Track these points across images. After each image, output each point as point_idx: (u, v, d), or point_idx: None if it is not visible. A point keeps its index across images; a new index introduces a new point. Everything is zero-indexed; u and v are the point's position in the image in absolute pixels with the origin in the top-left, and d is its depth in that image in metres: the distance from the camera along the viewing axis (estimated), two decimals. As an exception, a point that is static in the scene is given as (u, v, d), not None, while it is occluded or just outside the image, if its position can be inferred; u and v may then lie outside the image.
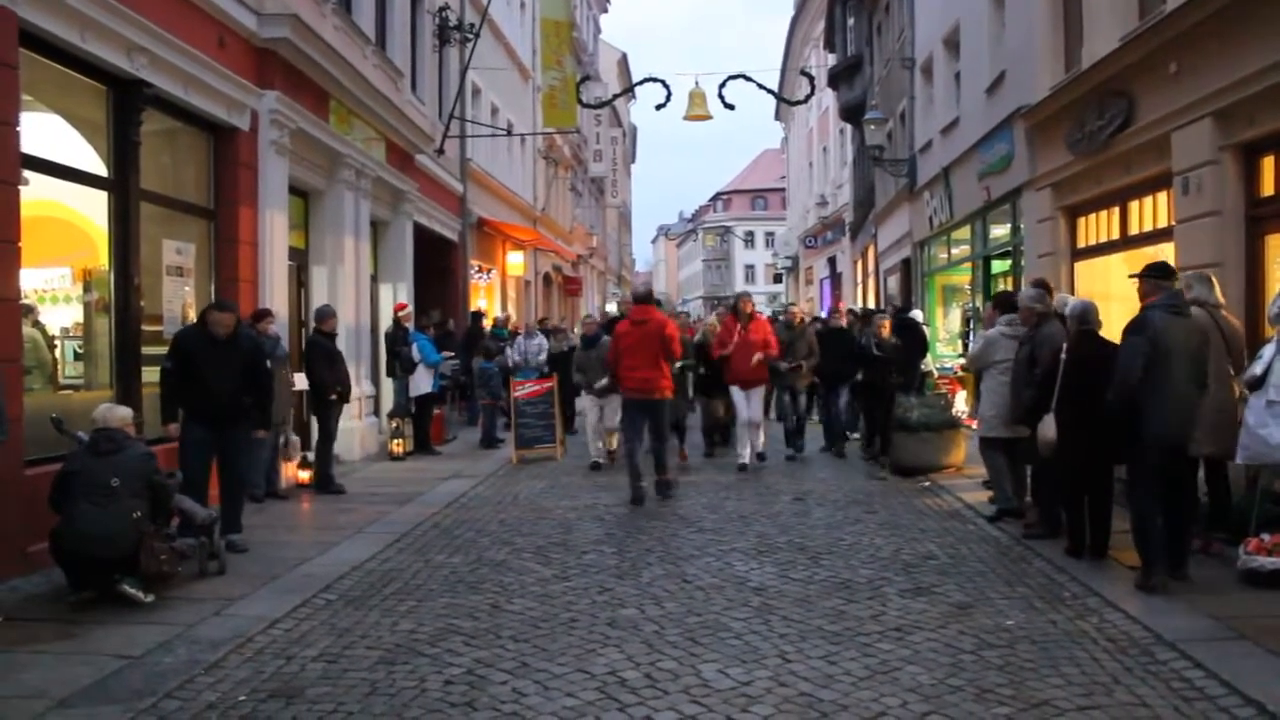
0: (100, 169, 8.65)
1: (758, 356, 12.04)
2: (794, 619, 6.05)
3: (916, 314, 16.38)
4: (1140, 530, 6.73)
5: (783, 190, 59.22)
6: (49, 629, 5.82)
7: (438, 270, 19.27)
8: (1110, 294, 11.05)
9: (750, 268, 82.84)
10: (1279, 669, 4.98)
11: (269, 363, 9.73)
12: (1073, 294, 11.41)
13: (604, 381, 11.84)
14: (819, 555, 7.71)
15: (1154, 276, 7.11)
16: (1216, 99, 8.85)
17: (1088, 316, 7.52)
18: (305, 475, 10.87)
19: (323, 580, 6.97)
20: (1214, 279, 7.88)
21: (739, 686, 4.93)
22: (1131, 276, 7.32)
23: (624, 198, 49.56)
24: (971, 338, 16.63)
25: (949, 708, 4.64)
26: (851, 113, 27.21)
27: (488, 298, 23.04)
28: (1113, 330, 8.35)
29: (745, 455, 12.22)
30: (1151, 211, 10.77)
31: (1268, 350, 7.09)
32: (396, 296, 15.74)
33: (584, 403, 12.92)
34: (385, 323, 15.11)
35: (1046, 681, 4.97)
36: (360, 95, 13.27)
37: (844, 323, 14.87)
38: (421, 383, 13.95)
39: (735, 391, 12.29)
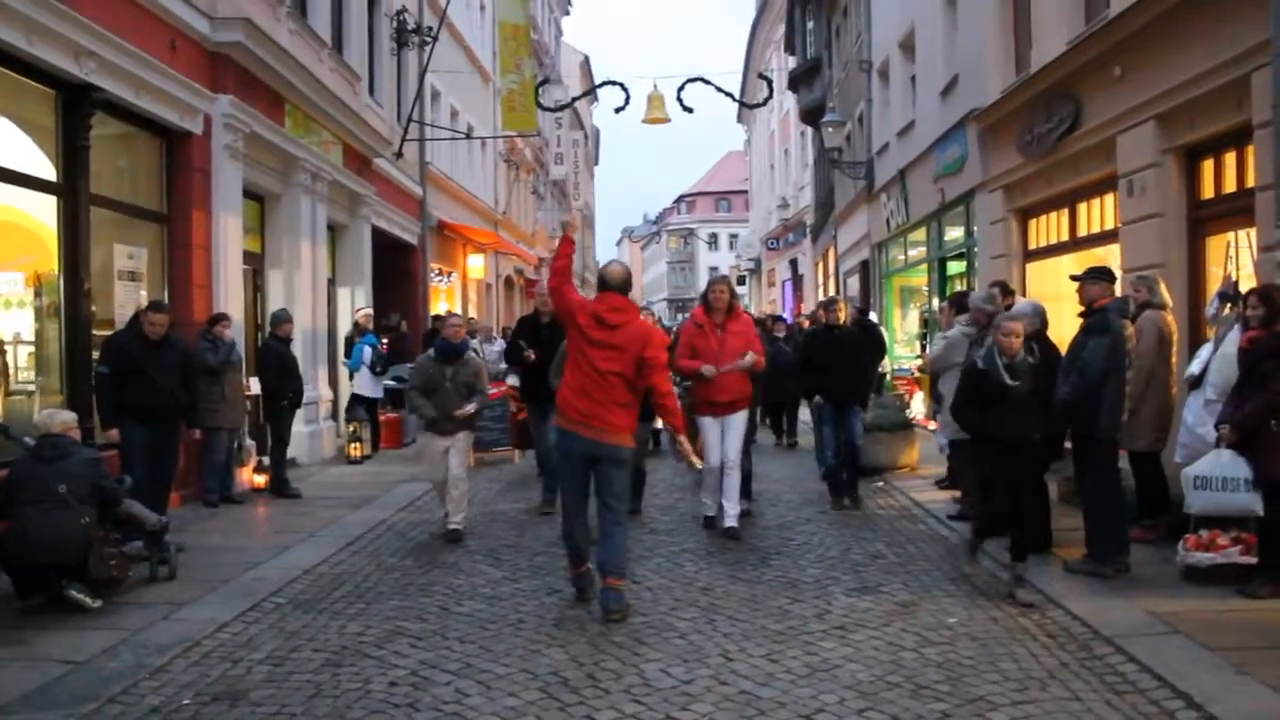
0: (49, 173, 8.61)
1: (747, 359, 8.40)
2: (739, 618, 6.12)
3: (872, 316, 16.55)
4: (1100, 524, 6.89)
5: (746, 192, 59.45)
6: (-6, 635, 5.79)
7: (397, 273, 19.23)
8: (1061, 295, 11.17)
9: (714, 269, 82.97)
10: (1211, 662, 5.08)
11: (224, 366, 9.85)
12: (1024, 295, 11.60)
13: (470, 407, 8.45)
14: (768, 555, 7.78)
15: (1102, 279, 7.28)
16: (1159, 102, 9.03)
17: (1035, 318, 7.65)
18: (261, 480, 10.85)
19: (273, 584, 6.96)
20: (1159, 280, 8.07)
21: (680, 685, 4.99)
22: (1073, 278, 7.46)
23: (586, 200, 49.59)
24: (929, 339, 16.81)
25: (885, 704, 4.73)
26: (811, 115, 27.38)
27: (448, 301, 23.01)
28: (1062, 331, 8.52)
29: (712, 506, 8.71)
30: (1099, 213, 10.96)
31: (1205, 350, 7.28)
32: (355, 300, 15.73)
33: (424, 442, 8.95)
34: (344, 326, 15.10)
35: (983, 677, 5.07)
36: (316, 99, 13.24)
37: (842, 319, 10.07)
38: (364, 386, 13.94)
39: (706, 422, 8.53)
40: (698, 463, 6.83)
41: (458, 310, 22.73)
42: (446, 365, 8.48)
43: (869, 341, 11.49)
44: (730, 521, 8.45)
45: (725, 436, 8.50)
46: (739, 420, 8.61)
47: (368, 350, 13.78)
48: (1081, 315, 7.24)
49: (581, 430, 6.25)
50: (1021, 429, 6.59)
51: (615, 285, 6.53)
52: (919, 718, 4.56)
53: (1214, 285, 8.41)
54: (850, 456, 9.89)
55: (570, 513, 6.50)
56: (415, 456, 8.36)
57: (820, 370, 9.72)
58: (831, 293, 28.12)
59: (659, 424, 10.29)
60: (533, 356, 9.58)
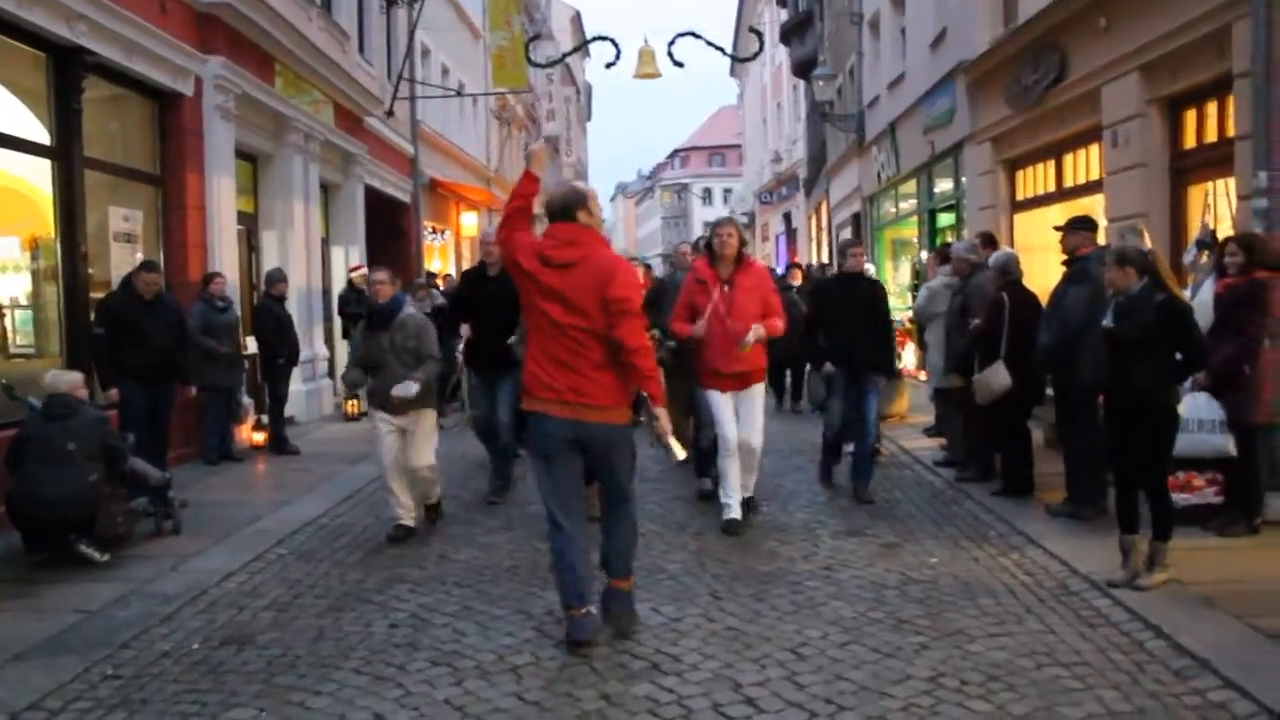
0: (43, 137, 8.68)
1: (754, 334, 6.81)
2: (728, 561, 6.32)
3: (869, 268, 16.61)
4: (1079, 469, 7.07)
5: (739, 146, 59.28)
6: (5, 588, 5.96)
7: (390, 232, 19.28)
8: (1049, 245, 11.24)
9: (708, 224, 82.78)
10: (1182, 596, 5.27)
11: (218, 326, 9.99)
12: (1012, 246, 11.73)
13: (412, 386, 6.75)
14: (758, 501, 7.95)
15: (1084, 229, 7.41)
16: (1143, 53, 9.12)
17: (1010, 266, 7.82)
18: (260, 437, 11.01)
19: (276, 536, 7.14)
20: (1144, 229, 8.19)
21: (669, 623, 5.19)
22: (1057, 229, 7.60)
23: (579, 156, 49.45)
24: (920, 291, 16.94)
25: (867, 637, 4.93)
26: (803, 68, 27.31)
27: (442, 259, 23.10)
28: (1048, 280, 8.66)
29: (733, 501, 7.12)
30: (1085, 164, 11.06)
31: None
32: (349, 259, 15.83)
33: (380, 428, 7.08)
34: (338, 285, 15.22)
35: (963, 613, 5.27)
36: (306, 58, 13.26)
37: (858, 267, 8.45)
38: None
39: (713, 397, 7.12)
40: (679, 452, 5.10)
41: (451, 269, 22.83)
42: (381, 332, 6.94)
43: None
44: (747, 493, 7.27)
45: (740, 414, 7.09)
46: (754, 395, 7.16)
47: None
48: (1064, 265, 7.38)
49: (554, 409, 4.81)
50: (1144, 380, 5.53)
51: (555, 213, 4.95)
52: (898, 649, 4.76)
53: (1195, 234, 8.56)
54: (864, 440, 8.17)
55: (560, 527, 4.91)
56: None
57: (831, 331, 8.14)
58: (825, 247, 28.09)
59: None
60: (469, 333, 8.16)
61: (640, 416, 5.34)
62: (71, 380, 6.85)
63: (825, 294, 8.58)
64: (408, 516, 7.13)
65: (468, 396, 8.76)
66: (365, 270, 14.85)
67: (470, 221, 25.12)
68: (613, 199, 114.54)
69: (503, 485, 8.40)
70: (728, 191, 73.97)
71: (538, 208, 5.12)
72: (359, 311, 13.88)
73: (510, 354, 7.48)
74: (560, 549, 4.91)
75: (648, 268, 13.85)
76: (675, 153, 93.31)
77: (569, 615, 4.91)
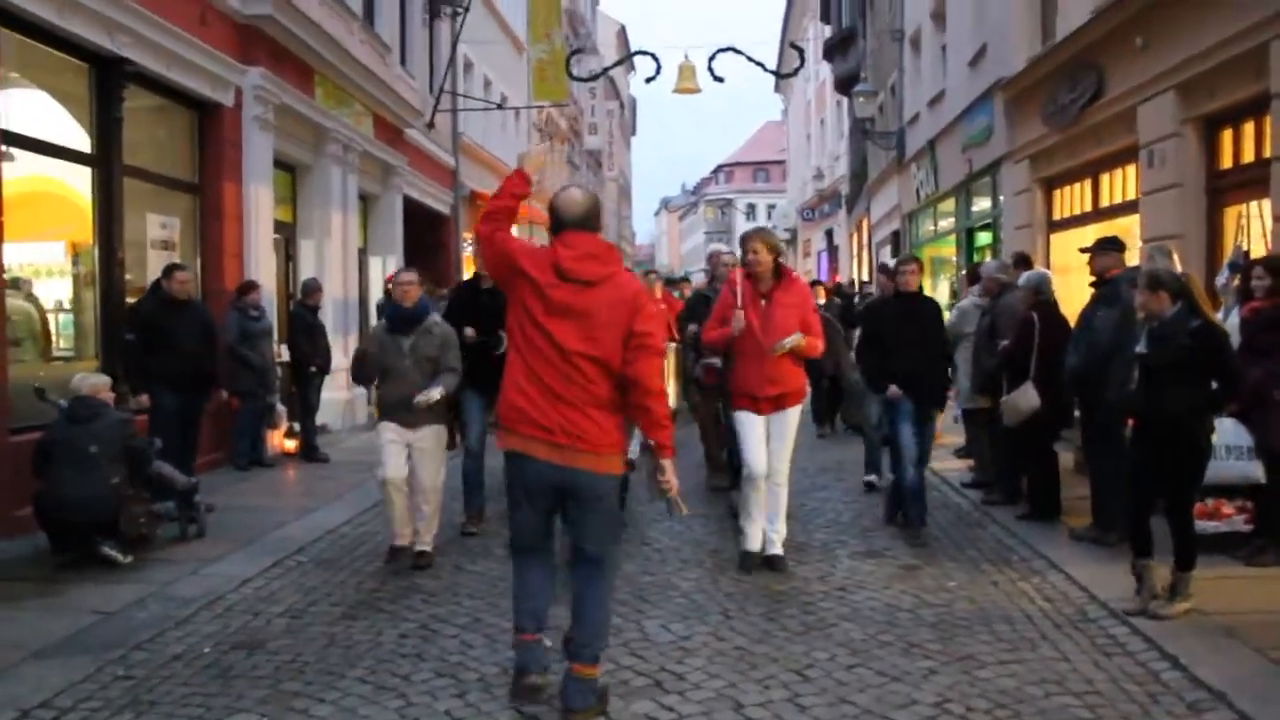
0: (84, 144, 8.84)
1: (792, 340, 6.32)
2: (742, 579, 6.29)
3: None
4: (1106, 493, 6.97)
5: (783, 162, 59.21)
6: (30, 588, 6.06)
7: (430, 244, 19.44)
8: (1084, 266, 11.18)
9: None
10: (1203, 626, 5.17)
11: (252, 334, 10.11)
12: (1048, 266, 11.63)
13: (435, 392, 6.54)
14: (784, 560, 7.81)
15: (1113, 250, 7.34)
16: (1179, 72, 9.05)
17: (1042, 286, 7.74)
18: (291, 444, 11.12)
19: (297, 543, 7.21)
20: (1173, 251, 8.09)
21: (678, 640, 5.18)
22: (1083, 251, 7.52)
23: (621, 170, 49.63)
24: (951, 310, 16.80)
25: (875, 660, 4.88)
26: (846, 85, 27.24)
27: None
28: (1081, 302, 8.58)
29: (753, 537, 6.57)
30: (1121, 184, 10.96)
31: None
32: (387, 270, 15.94)
33: (379, 434, 6.99)
34: (376, 295, 15.35)
35: (975, 638, 5.20)
36: (347, 71, 13.43)
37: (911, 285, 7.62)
38: None
39: (745, 420, 6.55)
40: (683, 508, 4.46)
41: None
42: (402, 336, 6.65)
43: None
44: (774, 549, 6.55)
45: (771, 437, 6.51)
46: (789, 420, 6.56)
47: None
48: (1093, 286, 7.30)
49: (540, 451, 4.14)
50: (1178, 405, 5.37)
51: (576, 220, 4.20)
52: (906, 674, 4.71)
53: (1229, 256, 8.43)
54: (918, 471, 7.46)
55: (522, 566, 4.44)
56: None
57: (889, 355, 7.43)
58: (865, 264, 27.95)
59: None
60: (472, 335, 7.37)
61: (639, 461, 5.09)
62: (95, 383, 6.96)
63: (880, 315, 7.95)
64: (405, 538, 6.73)
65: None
66: (401, 281, 14.97)
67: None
68: (656, 213, 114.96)
69: (478, 512, 7.95)
70: (771, 207, 73.68)
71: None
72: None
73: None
74: (519, 575, 4.46)
75: (651, 273, 13.58)
76: (720, 168, 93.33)
77: (514, 640, 4.47)
